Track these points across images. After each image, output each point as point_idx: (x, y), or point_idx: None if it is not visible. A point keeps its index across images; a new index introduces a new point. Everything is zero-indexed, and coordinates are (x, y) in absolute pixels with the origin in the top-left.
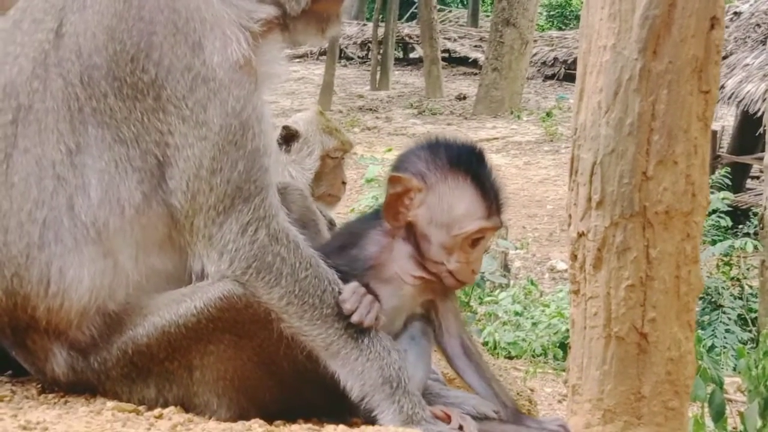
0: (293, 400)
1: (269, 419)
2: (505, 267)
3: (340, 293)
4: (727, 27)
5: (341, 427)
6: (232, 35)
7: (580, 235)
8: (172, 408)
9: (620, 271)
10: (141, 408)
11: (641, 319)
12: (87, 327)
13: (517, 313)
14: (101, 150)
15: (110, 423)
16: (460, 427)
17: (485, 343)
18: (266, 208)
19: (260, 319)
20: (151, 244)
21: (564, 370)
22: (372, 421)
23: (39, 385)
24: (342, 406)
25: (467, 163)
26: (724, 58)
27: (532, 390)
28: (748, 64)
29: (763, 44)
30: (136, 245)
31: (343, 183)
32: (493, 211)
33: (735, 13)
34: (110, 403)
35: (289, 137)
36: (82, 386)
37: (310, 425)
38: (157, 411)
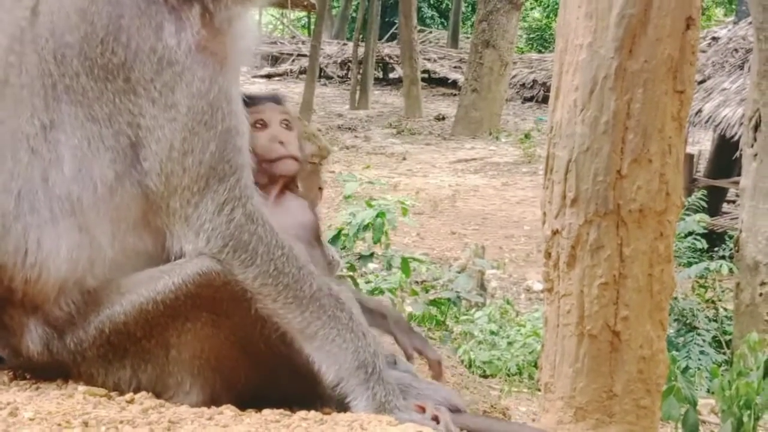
0: (266, 384)
1: (241, 406)
2: (482, 286)
3: (313, 275)
4: (705, 52)
5: (312, 413)
6: (186, 19)
7: (555, 232)
8: (143, 393)
9: (594, 269)
10: (113, 393)
11: (614, 317)
12: (65, 302)
13: (492, 333)
14: (74, 127)
15: (81, 405)
16: (435, 418)
17: (461, 362)
18: (242, 188)
19: (238, 297)
20: (126, 223)
21: (539, 389)
22: (344, 409)
23: (11, 373)
24: (314, 395)
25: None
26: (702, 82)
27: (507, 408)
28: (725, 89)
29: (741, 69)
30: (110, 223)
31: (320, 189)
32: (255, 105)
33: (713, 38)
34: (82, 388)
35: None
36: (56, 368)
37: (281, 411)
38: (128, 395)
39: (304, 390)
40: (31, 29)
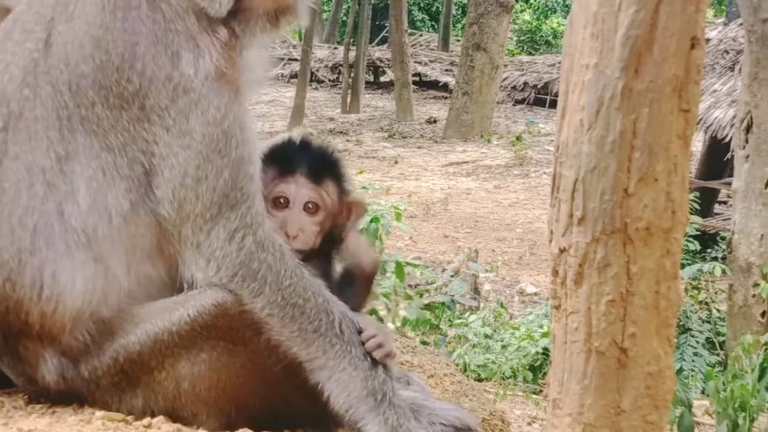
0: (281, 407)
1: (255, 428)
2: (475, 290)
3: (327, 304)
4: None
5: None
6: (205, 47)
7: (562, 251)
8: (161, 417)
9: (601, 287)
10: (129, 418)
11: (621, 334)
12: (80, 333)
13: (486, 336)
14: (89, 158)
15: (101, 431)
16: None
17: (455, 365)
18: (253, 216)
19: (254, 324)
20: (140, 252)
21: (534, 393)
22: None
23: (26, 396)
24: (327, 417)
25: (276, 147)
26: None
27: (503, 412)
28: (716, 90)
29: (732, 70)
30: (125, 252)
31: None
32: (286, 173)
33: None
34: (99, 413)
35: None
36: (71, 395)
37: None
38: (146, 420)
39: (317, 412)
40: (45, 61)
